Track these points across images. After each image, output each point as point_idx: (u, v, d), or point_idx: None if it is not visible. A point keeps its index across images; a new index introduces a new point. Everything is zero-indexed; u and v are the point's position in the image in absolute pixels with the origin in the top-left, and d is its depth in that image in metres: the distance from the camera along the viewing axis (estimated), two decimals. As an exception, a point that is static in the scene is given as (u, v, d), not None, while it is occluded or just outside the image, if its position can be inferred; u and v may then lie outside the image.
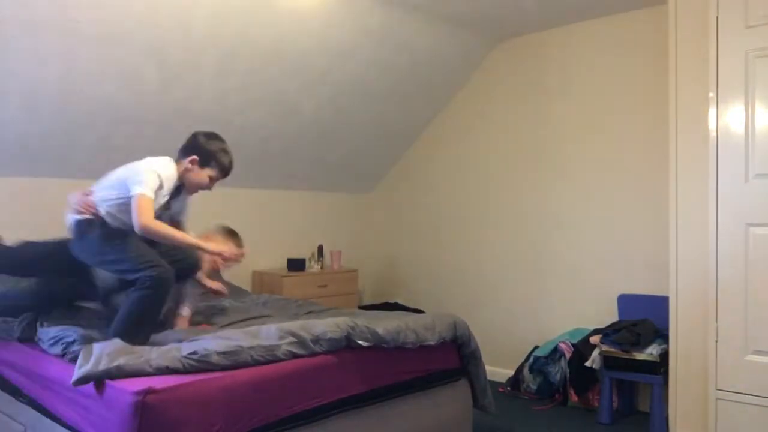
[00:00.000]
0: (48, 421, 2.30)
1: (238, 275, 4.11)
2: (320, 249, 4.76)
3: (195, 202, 4.19)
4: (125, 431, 1.87)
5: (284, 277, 4.30)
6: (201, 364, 2.11)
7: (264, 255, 4.59)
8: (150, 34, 3.15)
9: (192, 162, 2.67)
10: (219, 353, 2.15)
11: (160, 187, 2.53)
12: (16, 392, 2.51)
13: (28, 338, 2.60)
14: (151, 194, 2.46)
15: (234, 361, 2.17)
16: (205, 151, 2.67)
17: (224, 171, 2.72)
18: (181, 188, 2.72)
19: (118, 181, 2.56)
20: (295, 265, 4.51)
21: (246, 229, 4.47)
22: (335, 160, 4.78)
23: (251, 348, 2.23)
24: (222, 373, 2.12)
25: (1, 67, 2.92)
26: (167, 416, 1.91)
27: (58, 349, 2.37)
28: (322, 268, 4.70)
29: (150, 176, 2.49)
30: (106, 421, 1.95)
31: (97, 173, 3.68)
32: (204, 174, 2.68)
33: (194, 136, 2.72)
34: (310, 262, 4.63)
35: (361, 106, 4.40)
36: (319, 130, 4.39)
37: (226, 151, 2.72)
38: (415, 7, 3.72)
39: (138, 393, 1.87)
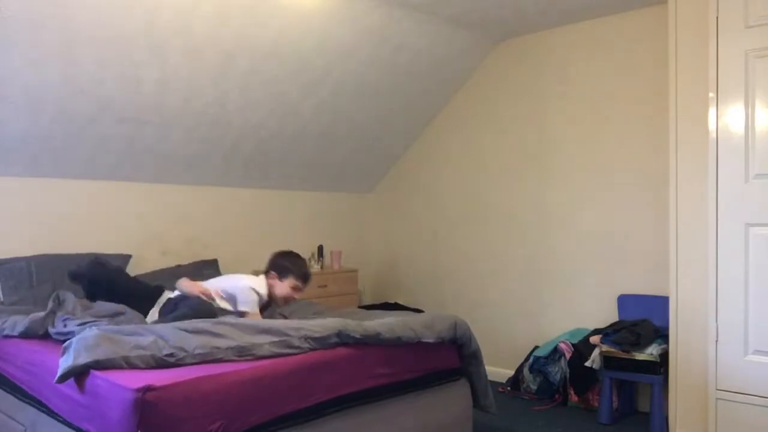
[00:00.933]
0: (48, 420, 2.30)
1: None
2: (320, 249, 4.76)
3: (197, 203, 4.21)
4: (125, 428, 1.88)
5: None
6: (176, 362, 2.15)
7: (264, 255, 4.57)
8: (150, 34, 3.16)
9: (272, 278, 3.11)
10: (195, 355, 2.19)
11: (260, 302, 3.06)
12: (17, 390, 2.52)
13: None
14: (257, 311, 3.01)
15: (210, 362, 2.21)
16: (279, 265, 3.12)
17: (302, 276, 3.11)
18: (269, 303, 3.16)
19: (226, 295, 3.02)
20: (295, 265, 4.50)
21: (246, 229, 4.50)
22: (335, 160, 4.78)
23: (228, 349, 2.25)
24: (222, 369, 2.13)
25: (1, 67, 2.92)
26: (166, 413, 1.91)
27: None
28: (322, 268, 4.70)
29: (254, 297, 3.01)
30: (106, 418, 1.96)
31: (97, 173, 3.72)
32: (285, 285, 3.09)
33: (271, 257, 3.20)
34: (310, 262, 4.63)
35: (361, 106, 4.40)
36: (319, 130, 4.39)
37: (299, 261, 3.17)
38: (415, 7, 3.73)
39: (137, 390, 1.87)
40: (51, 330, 2.58)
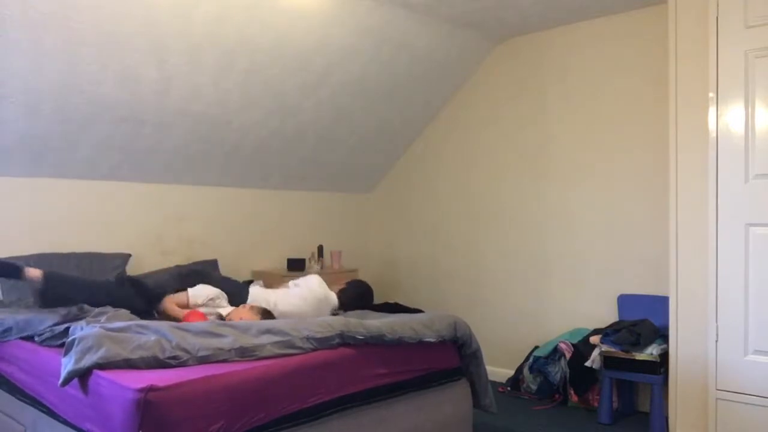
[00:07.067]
0: (49, 420, 2.30)
1: (239, 275, 4.11)
2: (320, 249, 4.76)
3: (197, 203, 4.21)
4: (126, 428, 1.88)
5: (284, 277, 4.28)
6: (178, 365, 2.15)
7: (264, 255, 4.59)
8: (150, 34, 3.15)
9: None
10: (198, 357, 2.19)
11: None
12: (17, 391, 2.51)
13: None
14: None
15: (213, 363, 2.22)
16: None
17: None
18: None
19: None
20: (295, 265, 4.51)
21: (246, 229, 4.50)
22: (335, 160, 4.78)
23: (231, 350, 2.26)
24: (224, 370, 2.13)
25: (1, 67, 2.92)
26: (169, 413, 1.91)
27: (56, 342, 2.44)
28: (322, 268, 4.69)
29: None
30: (108, 418, 1.96)
31: (97, 173, 3.71)
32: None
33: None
34: (310, 262, 4.63)
35: (361, 106, 4.39)
36: (319, 130, 4.39)
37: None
38: (415, 7, 3.72)
39: (140, 390, 1.87)
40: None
